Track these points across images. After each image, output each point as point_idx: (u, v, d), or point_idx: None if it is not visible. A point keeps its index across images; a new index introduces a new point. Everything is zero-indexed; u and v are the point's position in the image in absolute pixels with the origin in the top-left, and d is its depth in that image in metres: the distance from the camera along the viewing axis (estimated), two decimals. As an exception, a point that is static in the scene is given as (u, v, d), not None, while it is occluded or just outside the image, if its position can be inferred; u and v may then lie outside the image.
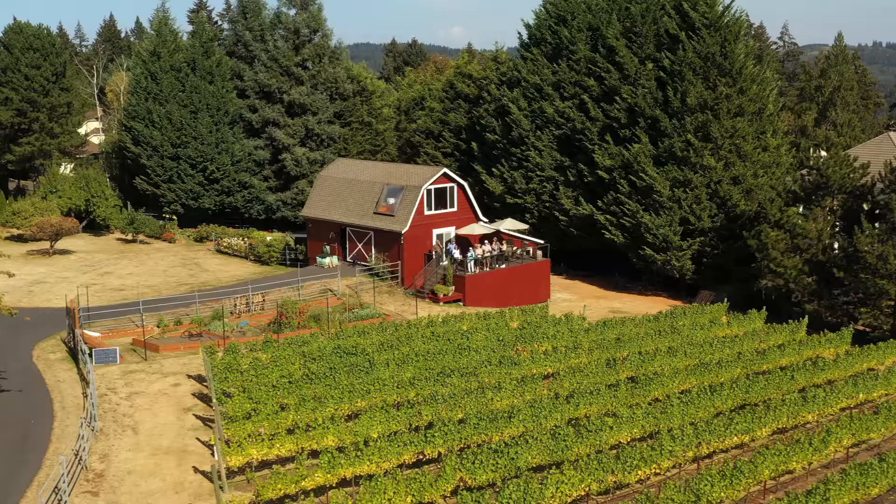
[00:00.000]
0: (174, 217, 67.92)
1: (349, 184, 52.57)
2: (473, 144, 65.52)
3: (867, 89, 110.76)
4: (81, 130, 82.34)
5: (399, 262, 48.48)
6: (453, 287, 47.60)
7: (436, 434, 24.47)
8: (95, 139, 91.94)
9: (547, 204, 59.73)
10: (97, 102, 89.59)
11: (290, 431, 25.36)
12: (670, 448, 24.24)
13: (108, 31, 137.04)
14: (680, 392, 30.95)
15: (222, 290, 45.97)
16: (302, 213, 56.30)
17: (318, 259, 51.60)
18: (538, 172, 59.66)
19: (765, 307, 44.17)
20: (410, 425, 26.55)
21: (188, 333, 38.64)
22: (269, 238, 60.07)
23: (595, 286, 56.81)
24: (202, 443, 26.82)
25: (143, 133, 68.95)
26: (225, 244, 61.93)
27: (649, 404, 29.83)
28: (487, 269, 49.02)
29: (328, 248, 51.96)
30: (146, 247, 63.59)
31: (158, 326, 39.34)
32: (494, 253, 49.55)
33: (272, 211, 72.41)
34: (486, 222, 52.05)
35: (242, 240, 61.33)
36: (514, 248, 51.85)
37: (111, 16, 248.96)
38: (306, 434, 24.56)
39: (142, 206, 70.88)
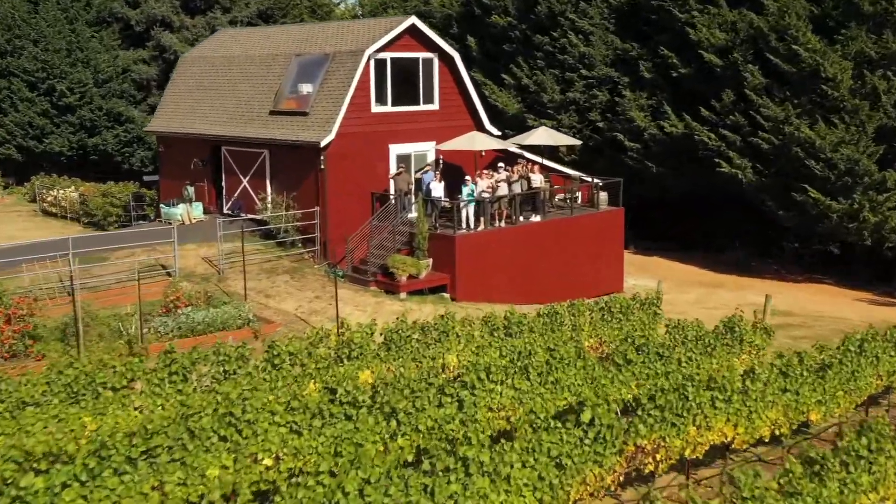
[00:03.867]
0: (-8, 163, 42.68)
1: (232, 66, 27.17)
2: (470, 40, 40.23)
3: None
4: None
5: (318, 209, 23.15)
6: (429, 261, 22.30)
7: None
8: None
9: (600, 124, 34.44)
10: None
11: None
12: None
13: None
14: None
15: None
16: (148, 127, 30.76)
17: (164, 209, 26.11)
18: (583, 71, 34.43)
19: None
20: None
21: None
22: (109, 185, 34.71)
23: (692, 265, 31.55)
24: None
25: (-48, 34, 43.80)
26: (49, 200, 36.63)
27: None
28: (500, 223, 23.61)
29: (191, 188, 26.63)
30: (-68, 207, 38.42)
31: None
32: (514, 190, 24.05)
33: (162, 159, 47.19)
34: (496, 135, 26.65)
35: (75, 192, 35.90)
36: (551, 184, 26.52)
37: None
38: None
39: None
